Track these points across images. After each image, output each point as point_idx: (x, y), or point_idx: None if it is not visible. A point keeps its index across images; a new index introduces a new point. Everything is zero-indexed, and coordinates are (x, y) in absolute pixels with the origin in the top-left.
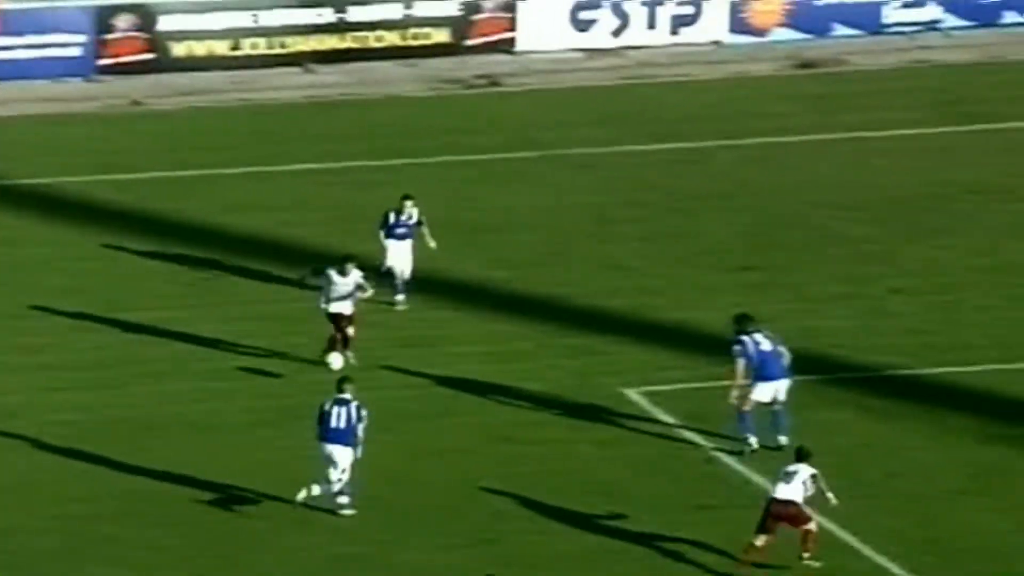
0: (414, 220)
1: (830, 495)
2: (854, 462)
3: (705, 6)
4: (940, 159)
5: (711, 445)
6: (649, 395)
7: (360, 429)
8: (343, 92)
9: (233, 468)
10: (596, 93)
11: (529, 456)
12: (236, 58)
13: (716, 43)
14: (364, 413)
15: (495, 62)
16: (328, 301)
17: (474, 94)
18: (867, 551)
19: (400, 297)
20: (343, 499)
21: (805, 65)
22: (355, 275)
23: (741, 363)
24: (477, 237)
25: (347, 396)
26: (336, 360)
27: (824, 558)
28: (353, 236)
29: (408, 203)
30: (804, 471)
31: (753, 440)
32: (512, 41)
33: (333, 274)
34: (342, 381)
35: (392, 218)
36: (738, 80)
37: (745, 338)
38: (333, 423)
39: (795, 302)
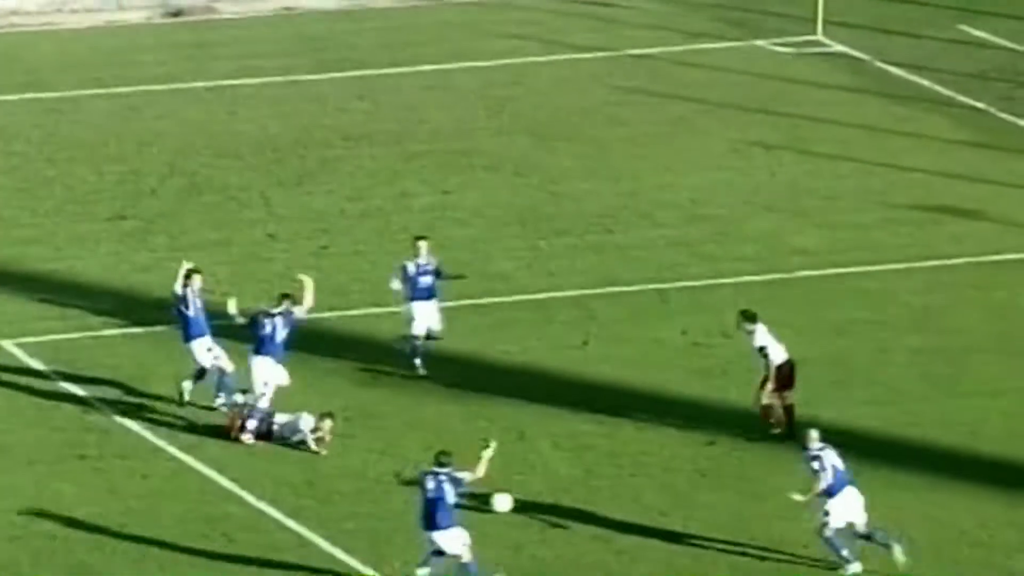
0: (433, 267)
1: None
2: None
3: None
4: (310, 106)
5: (88, 394)
6: (25, 346)
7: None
8: None
9: None
10: None
11: None
12: None
13: None
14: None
15: None
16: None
17: None
18: (248, 497)
19: (418, 361)
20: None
21: (175, 14)
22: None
23: None
24: None
25: (280, 309)
26: (504, 502)
27: (206, 505)
28: None
29: (423, 244)
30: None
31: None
32: None
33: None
34: (283, 296)
35: (412, 269)
36: (108, 29)
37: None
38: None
39: (171, 250)
